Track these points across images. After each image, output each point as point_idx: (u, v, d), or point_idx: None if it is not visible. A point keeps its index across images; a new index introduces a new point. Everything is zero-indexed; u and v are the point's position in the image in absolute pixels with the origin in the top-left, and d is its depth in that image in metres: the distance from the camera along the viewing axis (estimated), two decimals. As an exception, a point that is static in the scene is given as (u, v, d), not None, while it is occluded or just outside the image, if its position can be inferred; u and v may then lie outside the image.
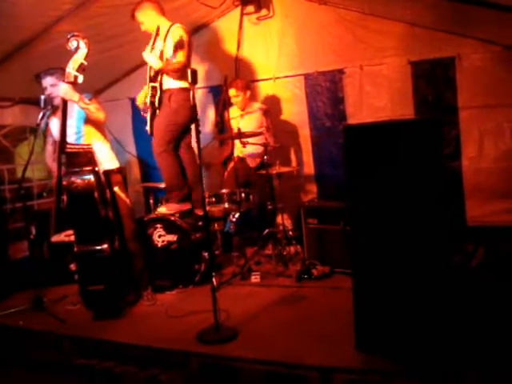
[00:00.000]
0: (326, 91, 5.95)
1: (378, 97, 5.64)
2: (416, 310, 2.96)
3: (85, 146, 4.53)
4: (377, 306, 3.11)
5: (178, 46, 4.68)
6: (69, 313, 4.34)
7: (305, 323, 3.72)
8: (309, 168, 6.16)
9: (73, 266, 4.27)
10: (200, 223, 4.81)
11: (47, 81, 4.62)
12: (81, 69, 4.24)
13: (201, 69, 5.54)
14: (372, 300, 3.13)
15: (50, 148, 4.88)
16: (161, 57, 4.85)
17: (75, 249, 4.17)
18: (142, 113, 5.08)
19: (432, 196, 2.90)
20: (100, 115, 4.62)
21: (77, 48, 4.20)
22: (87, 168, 4.18)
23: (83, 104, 4.47)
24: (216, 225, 4.94)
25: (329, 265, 4.66)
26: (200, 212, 4.78)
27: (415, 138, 2.93)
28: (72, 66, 4.23)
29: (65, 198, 4.11)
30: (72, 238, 4.18)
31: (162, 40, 4.89)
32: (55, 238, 4.32)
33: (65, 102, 4.31)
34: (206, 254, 4.60)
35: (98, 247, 4.11)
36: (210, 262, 4.28)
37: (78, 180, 4.10)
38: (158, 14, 4.90)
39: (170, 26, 4.88)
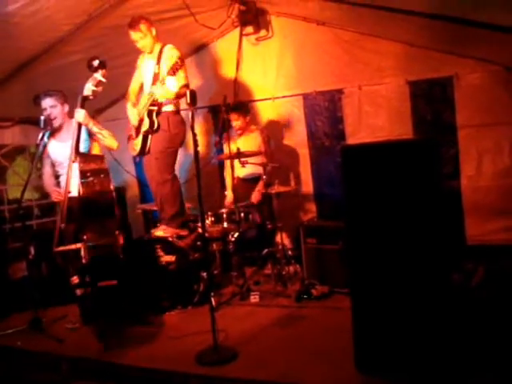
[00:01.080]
0: (324, 111, 5.99)
1: (377, 116, 5.66)
2: (416, 329, 2.95)
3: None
4: (376, 325, 3.10)
5: (177, 68, 4.60)
6: (67, 333, 4.30)
7: (304, 343, 3.69)
8: (308, 187, 6.17)
9: (75, 279, 4.23)
10: (199, 243, 4.80)
11: (47, 102, 4.65)
12: (99, 85, 4.42)
13: (200, 89, 5.56)
14: (371, 319, 3.12)
15: (48, 170, 4.86)
16: (155, 79, 4.84)
17: (87, 244, 4.06)
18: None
19: (430, 215, 2.90)
20: (113, 143, 4.73)
21: (97, 68, 4.35)
22: (101, 166, 4.30)
23: (97, 129, 4.58)
24: (214, 245, 4.93)
25: (328, 284, 4.64)
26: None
27: (413, 158, 2.95)
28: (92, 83, 4.40)
29: (81, 191, 4.12)
30: (78, 245, 4.12)
31: (154, 62, 4.89)
32: (60, 248, 4.27)
33: (79, 126, 4.43)
34: (204, 274, 4.58)
35: (112, 242, 4.12)
36: (208, 283, 4.25)
37: (93, 176, 4.19)
38: (152, 33, 4.86)
39: (162, 47, 4.90)
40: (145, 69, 5.06)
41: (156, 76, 4.86)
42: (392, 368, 3.02)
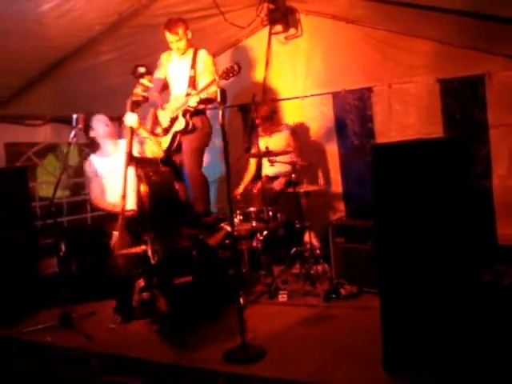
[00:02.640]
0: (354, 109, 5.95)
1: (407, 115, 5.61)
2: (445, 330, 2.91)
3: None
4: (404, 325, 3.07)
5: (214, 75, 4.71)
6: (97, 330, 4.32)
7: (332, 343, 3.67)
8: (337, 186, 6.15)
9: (141, 282, 4.20)
10: (227, 241, 4.80)
11: (95, 118, 4.80)
12: (146, 90, 4.45)
13: (229, 87, 5.56)
14: (399, 320, 3.09)
15: (96, 187, 4.88)
16: (192, 83, 4.89)
17: (156, 244, 4.03)
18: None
19: (462, 215, 2.86)
20: (159, 150, 4.80)
21: (143, 74, 4.40)
22: (161, 168, 4.38)
23: (146, 134, 4.67)
24: (243, 243, 4.93)
25: (357, 284, 4.60)
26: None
27: (445, 157, 2.90)
28: (140, 88, 4.43)
29: (146, 193, 4.10)
30: (142, 247, 4.11)
31: (189, 65, 4.94)
32: (124, 251, 4.28)
33: (132, 130, 4.48)
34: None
35: (182, 241, 4.14)
36: (236, 281, 4.25)
37: (156, 176, 4.20)
38: (187, 37, 4.87)
39: (196, 51, 4.94)
40: (173, 69, 5.08)
41: (192, 79, 4.91)
42: (420, 369, 2.99)
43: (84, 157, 7.38)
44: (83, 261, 5.25)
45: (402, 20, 5.03)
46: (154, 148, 4.76)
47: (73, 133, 4.44)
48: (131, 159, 4.35)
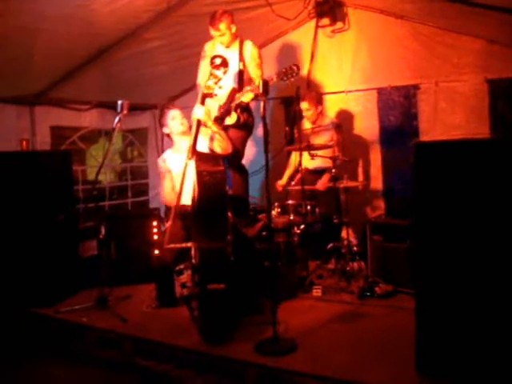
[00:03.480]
0: (399, 106, 5.87)
1: (453, 114, 5.51)
2: (484, 335, 2.85)
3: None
4: (440, 328, 3.01)
5: (260, 67, 4.79)
6: (133, 314, 4.40)
7: (364, 342, 3.64)
8: (377, 183, 6.08)
9: (183, 278, 4.17)
10: (264, 233, 4.80)
11: (170, 114, 4.71)
12: (218, 82, 4.36)
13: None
14: (435, 322, 3.03)
15: (168, 184, 4.82)
16: (240, 76, 4.89)
17: (199, 245, 3.95)
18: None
19: (508, 219, 2.77)
20: (229, 146, 4.69)
21: (219, 66, 4.30)
22: (218, 168, 4.19)
23: (215, 128, 4.61)
24: (279, 236, 4.91)
25: (392, 283, 4.54)
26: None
27: (492, 158, 2.82)
28: (213, 80, 4.34)
29: (196, 192, 4.03)
30: (189, 244, 4.10)
31: (236, 58, 4.90)
32: (171, 245, 4.29)
33: (198, 124, 4.43)
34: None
35: (223, 246, 3.96)
36: (272, 274, 4.23)
37: (210, 176, 4.08)
38: (231, 31, 4.84)
39: (242, 43, 4.92)
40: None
41: (240, 72, 4.90)
42: (453, 373, 2.94)
43: (128, 142, 7.58)
44: (122, 244, 5.31)
45: (452, 17, 4.93)
46: (223, 143, 4.64)
47: (117, 118, 4.49)
48: (193, 153, 4.30)
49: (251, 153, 5.69)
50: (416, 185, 3.12)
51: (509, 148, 2.86)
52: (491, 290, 2.84)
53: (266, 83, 3.69)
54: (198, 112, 4.44)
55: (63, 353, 4.13)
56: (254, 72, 4.89)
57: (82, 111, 6.29)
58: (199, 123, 4.44)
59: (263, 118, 3.66)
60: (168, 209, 4.82)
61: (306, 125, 5.72)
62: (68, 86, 5.61)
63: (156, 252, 5.02)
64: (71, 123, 6.27)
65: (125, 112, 4.48)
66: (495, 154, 2.85)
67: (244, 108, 4.88)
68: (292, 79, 4.29)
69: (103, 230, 4.88)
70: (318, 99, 5.70)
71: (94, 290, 4.65)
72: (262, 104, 3.69)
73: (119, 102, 4.48)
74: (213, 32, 4.81)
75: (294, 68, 4.27)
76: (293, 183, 5.58)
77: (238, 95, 4.78)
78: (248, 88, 4.67)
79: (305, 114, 5.62)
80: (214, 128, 4.61)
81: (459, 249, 2.93)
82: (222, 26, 4.74)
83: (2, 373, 3.90)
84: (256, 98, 4.67)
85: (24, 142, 5.17)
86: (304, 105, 5.55)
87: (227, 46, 4.93)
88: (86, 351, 4.07)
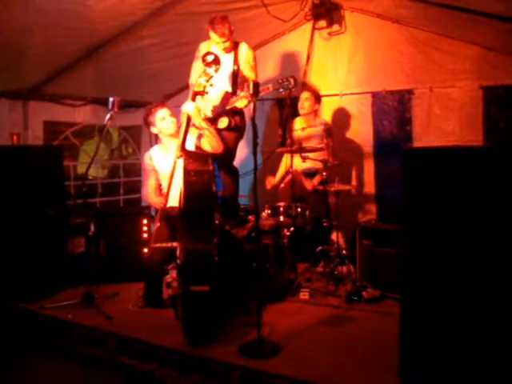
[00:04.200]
0: (393, 111, 5.85)
1: (447, 120, 5.49)
2: (470, 344, 2.83)
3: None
4: (424, 335, 3.00)
5: (254, 70, 4.78)
6: (118, 312, 4.37)
7: (349, 346, 3.63)
8: (369, 187, 6.06)
9: (168, 278, 4.19)
10: (253, 235, 4.78)
11: (159, 114, 4.62)
12: (209, 80, 4.34)
13: (268, 81, 5.53)
14: (419, 329, 3.02)
15: (152, 182, 4.79)
16: (234, 79, 4.88)
17: (184, 246, 3.91)
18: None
19: (498, 228, 2.76)
20: (219, 145, 4.59)
21: (211, 63, 4.28)
22: (206, 168, 4.11)
23: (205, 124, 4.52)
24: (268, 238, 4.89)
25: (380, 288, 4.53)
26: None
27: (484, 166, 2.80)
28: (205, 78, 4.31)
29: (183, 191, 3.98)
30: (174, 244, 4.09)
31: (231, 59, 4.89)
32: (157, 244, 4.30)
33: (188, 120, 4.38)
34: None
35: (209, 247, 3.90)
36: (259, 275, 4.22)
37: (197, 176, 4.01)
38: (231, 36, 4.81)
39: (237, 45, 4.90)
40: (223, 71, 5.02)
41: (234, 75, 4.88)
42: (436, 380, 2.93)
43: (122, 140, 7.56)
44: (112, 242, 5.29)
45: (449, 23, 4.92)
46: (213, 141, 4.55)
47: (108, 115, 4.48)
48: (182, 151, 4.27)
49: (243, 154, 5.65)
50: (405, 190, 3.11)
51: (499, 156, 2.85)
52: (478, 298, 2.82)
53: (256, 85, 3.68)
54: (188, 107, 4.40)
55: (48, 349, 4.12)
56: (248, 75, 4.87)
57: (76, 107, 6.28)
58: (189, 119, 4.39)
59: (252, 120, 3.65)
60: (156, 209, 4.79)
61: (297, 125, 5.71)
62: (62, 81, 5.58)
63: (145, 251, 5.01)
64: (65, 119, 6.26)
65: (116, 109, 4.47)
66: (485, 162, 2.83)
67: (236, 112, 4.86)
68: (288, 91, 4.28)
69: (92, 227, 4.85)
70: (317, 95, 5.74)
71: (81, 287, 4.61)
72: (251, 106, 3.67)
73: (110, 99, 4.48)
74: (216, 38, 4.75)
75: (291, 80, 4.27)
76: (282, 185, 5.56)
77: (232, 100, 4.76)
78: (242, 94, 4.64)
79: (301, 104, 5.62)
80: (204, 124, 4.51)
81: (447, 256, 2.91)
82: (227, 31, 4.70)
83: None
84: (249, 103, 4.63)
85: (15, 137, 5.16)
86: (304, 94, 5.58)
87: (227, 52, 4.90)
88: (71, 348, 4.06)
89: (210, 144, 4.54)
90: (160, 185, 4.78)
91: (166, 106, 4.79)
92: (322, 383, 3.12)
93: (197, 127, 4.56)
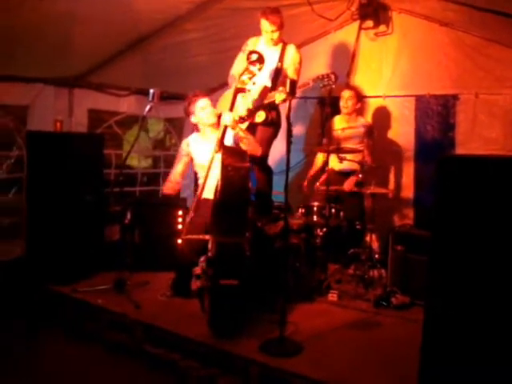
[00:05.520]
0: (436, 115, 5.75)
1: (492, 128, 5.37)
2: (491, 356, 2.77)
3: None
4: (447, 344, 2.94)
5: (297, 73, 4.76)
6: (148, 299, 4.46)
7: (371, 351, 3.60)
8: (408, 192, 5.97)
9: (197, 270, 4.15)
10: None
11: (200, 104, 4.63)
12: (252, 78, 4.34)
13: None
14: (442, 337, 2.95)
15: (180, 168, 4.86)
16: (276, 76, 4.87)
17: (216, 239, 3.95)
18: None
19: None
20: (258, 150, 4.66)
21: (255, 62, 4.26)
22: (243, 163, 4.14)
23: (243, 134, 4.58)
24: (299, 237, 4.88)
25: (410, 295, 4.46)
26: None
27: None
28: (248, 76, 4.32)
29: (220, 185, 4.01)
30: (206, 237, 4.11)
31: (277, 56, 4.88)
32: (189, 236, 4.33)
33: (225, 129, 4.38)
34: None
35: (241, 241, 3.95)
36: (287, 274, 4.22)
37: (234, 171, 4.03)
38: (283, 29, 4.81)
39: (286, 45, 4.90)
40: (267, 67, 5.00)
41: (277, 71, 4.88)
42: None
43: (166, 131, 7.66)
44: (147, 231, 5.37)
45: (497, 28, 4.80)
46: (251, 146, 4.57)
47: (148, 107, 4.56)
48: (220, 146, 4.28)
49: (283, 151, 5.64)
50: (437, 197, 3.06)
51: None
52: (506, 311, 2.76)
53: (293, 83, 3.69)
54: (226, 119, 4.39)
55: (77, 332, 4.23)
56: (290, 76, 4.84)
57: (121, 97, 6.38)
58: (226, 128, 4.39)
59: (287, 118, 3.64)
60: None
61: (338, 124, 5.67)
62: (108, 71, 5.68)
63: (178, 241, 5.07)
64: (109, 107, 6.36)
65: (156, 101, 4.53)
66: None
67: (272, 107, 4.86)
68: (328, 87, 4.24)
69: (129, 215, 4.93)
70: (360, 95, 5.71)
71: (113, 273, 4.70)
72: (287, 104, 3.67)
73: (151, 91, 4.54)
74: (267, 26, 4.73)
75: (332, 76, 4.24)
76: (317, 184, 5.53)
77: (270, 94, 4.76)
78: (281, 89, 4.62)
79: (343, 103, 5.58)
80: (242, 134, 4.56)
81: (476, 266, 2.85)
82: (279, 20, 4.70)
83: (13, 346, 4.01)
84: (286, 100, 4.61)
85: (58, 123, 5.26)
86: (347, 93, 5.55)
87: (274, 45, 4.90)
88: (98, 333, 4.15)
89: (248, 149, 4.52)
90: (186, 172, 4.87)
91: (207, 95, 4.79)
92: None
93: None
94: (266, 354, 3.47)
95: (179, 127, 7.41)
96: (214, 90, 6.93)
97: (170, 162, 7.44)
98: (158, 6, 4.58)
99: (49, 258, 4.85)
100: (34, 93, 5.43)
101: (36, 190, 4.99)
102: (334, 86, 4.46)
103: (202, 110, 4.61)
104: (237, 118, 4.63)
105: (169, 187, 4.96)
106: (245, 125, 4.83)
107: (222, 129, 4.37)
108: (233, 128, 4.46)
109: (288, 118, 3.65)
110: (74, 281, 4.77)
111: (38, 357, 3.92)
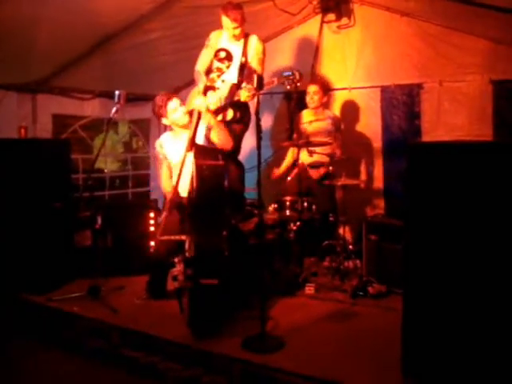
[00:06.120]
0: (402, 105, 5.81)
1: (456, 115, 5.44)
2: (473, 340, 2.81)
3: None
4: (427, 330, 2.98)
5: (262, 63, 4.73)
6: (124, 304, 4.40)
7: (353, 342, 3.61)
8: (378, 182, 6.03)
9: (175, 271, 4.10)
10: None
11: (171, 105, 4.52)
12: (221, 78, 4.27)
13: (277, 75, 5.51)
14: (422, 324, 3.00)
15: (166, 171, 4.76)
16: (241, 71, 4.84)
17: (194, 239, 3.89)
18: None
19: (505, 226, 2.72)
20: (229, 141, 4.56)
21: (223, 59, 4.21)
22: (217, 162, 4.12)
23: (214, 122, 4.50)
24: (273, 232, 4.89)
25: (387, 283, 4.50)
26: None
27: (492, 162, 2.76)
28: (217, 74, 4.24)
29: (195, 185, 3.96)
30: (183, 237, 4.06)
31: (240, 50, 4.84)
32: (165, 237, 4.25)
33: (199, 115, 4.33)
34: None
35: (219, 241, 3.94)
36: (263, 270, 4.20)
37: (209, 171, 4.01)
38: (244, 24, 4.78)
39: (247, 36, 4.87)
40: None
41: (242, 66, 4.84)
42: (439, 376, 2.91)
43: (132, 133, 7.58)
44: (119, 235, 5.30)
45: (458, 16, 4.87)
46: (222, 135, 4.50)
47: (114, 109, 4.49)
48: (192, 146, 4.23)
49: (250, 147, 5.62)
50: (408, 184, 3.09)
51: (507, 151, 2.81)
52: (481, 294, 2.80)
53: (260, 79, 3.67)
54: (199, 102, 4.34)
55: (53, 341, 4.14)
56: (255, 67, 4.83)
57: (85, 100, 6.29)
58: (199, 115, 4.34)
59: (256, 114, 3.64)
60: (165, 200, 4.79)
61: (305, 118, 5.67)
62: (71, 74, 5.59)
63: (151, 243, 5.02)
64: (73, 112, 6.27)
65: (122, 102, 4.47)
66: (497, 157, 2.79)
67: (240, 105, 4.83)
68: (293, 85, 4.24)
69: (99, 220, 4.86)
70: (326, 87, 5.72)
71: (87, 280, 4.62)
72: (255, 99, 3.66)
73: (116, 93, 4.48)
74: (228, 23, 4.70)
75: (296, 74, 4.22)
76: (289, 178, 5.53)
77: (237, 92, 4.73)
78: (246, 86, 4.59)
79: (309, 98, 5.57)
80: (213, 122, 4.50)
81: (449, 251, 2.89)
82: (240, 17, 4.67)
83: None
84: (254, 96, 4.59)
85: (22, 130, 5.16)
86: (312, 87, 5.53)
87: (236, 40, 4.87)
88: (75, 340, 4.08)
89: (220, 139, 4.48)
90: (171, 174, 4.76)
91: (175, 95, 4.70)
92: (324, 378, 3.11)
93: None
94: (248, 350, 3.46)
95: (145, 128, 7.34)
96: (178, 89, 6.88)
97: (137, 164, 7.40)
98: (120, 7, 4.52)
99: (19, 268, 4.74)
100: (-4, 99, 5.32)
101: (2, 199, 4.87)
102: (299, 84, 4.45)
103: (174, 111, 4.51)
104: (210, 107, 4.56)
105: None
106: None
107: (195, 116, 4.30)
108: (205, 114, 4.38)
109: (257, 113, 3.64)
110: (47, 289, 4.67)
111: (14, 368, 3.82)
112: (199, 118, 4.35)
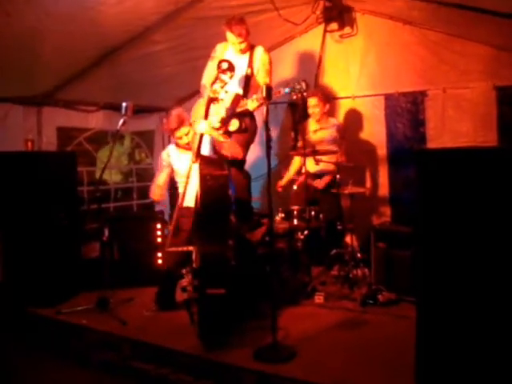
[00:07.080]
0: (406, 113, 5.83)
1: (461, 121, 5.46)
2: (487, 348, 2.79)
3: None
4: (441, 339, 2.96)
5: (269, 74, 4.75)
6: (133, 316, 4.39)
7: (364, 350, 3.60)
8: (383, 190, 6.04)
9: (184, 281, 4.16)
10: (267, 238, 4.77)
11: (183, 131, 4.77)
12: (224, 89, 4.35)
13: (281, 84, 5.50)
14: (436, 332, 2.98)
15: (164, 178, 4.95)
16: (247, 82, 4.81)
17: (200, 249, 3.92)
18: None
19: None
20: (240, 152, 4.66)
21: (226, 70, 4.26)
22: (221, 172, 4.17)
23: (223, 138, 4.56)
24: (282, 241, 4.88)
25: (396, 291, 4.49)
26: None
27: (499, 167, 2.76)
28: (220, 84, 4.30)
29: (199, 196, 4.02)
30: (190, 248, 4.10)
31: (246, 62, 4.80)
32: (172, 248, 4.30)
33: (201, 136, 4.42)
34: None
35: (225, 250, 3.96)
36: (272, 279, 4.20)
37: (213, 181, 4.02)
38: (248, 37, 4.73)
39: (253, 48, 4.85)
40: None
41: (247, 78, 4.80)
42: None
43: (135, 145, 7.59)
44: (126, 247, 5.29)
45: (460, 23, 4.88)
46: (231, 147, 4.59)
47: (121, 121, 4.50)
48: (197, 157, 4.31)
49: (256, 157, 5.63)
50: (418, 191, 3.08)
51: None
52: (496, 301, 2.78)
53: (269, 89, 3.67)
54: (201, 127, 4.42)
55: (62, 354, 4.13)
56: (262, 78, 4.80)
57: (89, 112, 6.30)
58: (202, 137, 4.42)
59: (266, 123, 3.64)
60: (172, 211, 4.83)
61: (311, 127, 5.68)
62: (75, 87, 5.61)
63: (159, 255, 5.01)
64: (78, 124, 6.28)
65: (129, 114, 4.49)
66: (499, 162, 2.79)
67: (245, 114, 4.83)
68: (299, 95, 4.25)
69: (106, 232, 4.86)
70: (326, 97, 5.70)
71: (96, 292, 4.62)
72: (264, 109, 3.67)
73: (124, 104, 4.49)
74: (233, 38, 4.66)
75: (303, 84, 4.23)
76: (295, 187, 5.53)
77: (243, 102, 4.73)
78: (255, 96, 4.59)
79: (311, 110, 5.59)
80: (222, 138, 4.54)
81: (463, 258, 2.88)
82: (244, 31, 4.63)
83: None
84: (261, 106, 4.58)
85: (29, 143, 5.18)
86: (312, 101, 5.54)
87: (242, 53, 4.87)
88: (85, 353, 4.06)
89: (229, 150, 4.55)
90: (168, 181, 4.95)
91: (185, 123, 4.82)
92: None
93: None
94: (260, 361, 3.45)
95: (149, 140, 7.35)
96: (183, 100, 6.91)
97: (141, 176, 7.39)
98: (124, 18, 4.54)
99: (27, 281, 4.74)
100: (1, 113, 5.34)
101: (9, 213, 4.87)
102: (305, 94, 4.47)
103: (186, 137, 4.75)
104: (214, 125, 4.56)
105: (156, 193, 5.02)
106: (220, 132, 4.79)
107: (198, 138, 4.36)
108: (210, 134, 4.47)
109: (266, 122, 3.64)
110: (55, 302, 4.66)
111: (24, 382, 3.81)
112: (201, 138, 4.42)
